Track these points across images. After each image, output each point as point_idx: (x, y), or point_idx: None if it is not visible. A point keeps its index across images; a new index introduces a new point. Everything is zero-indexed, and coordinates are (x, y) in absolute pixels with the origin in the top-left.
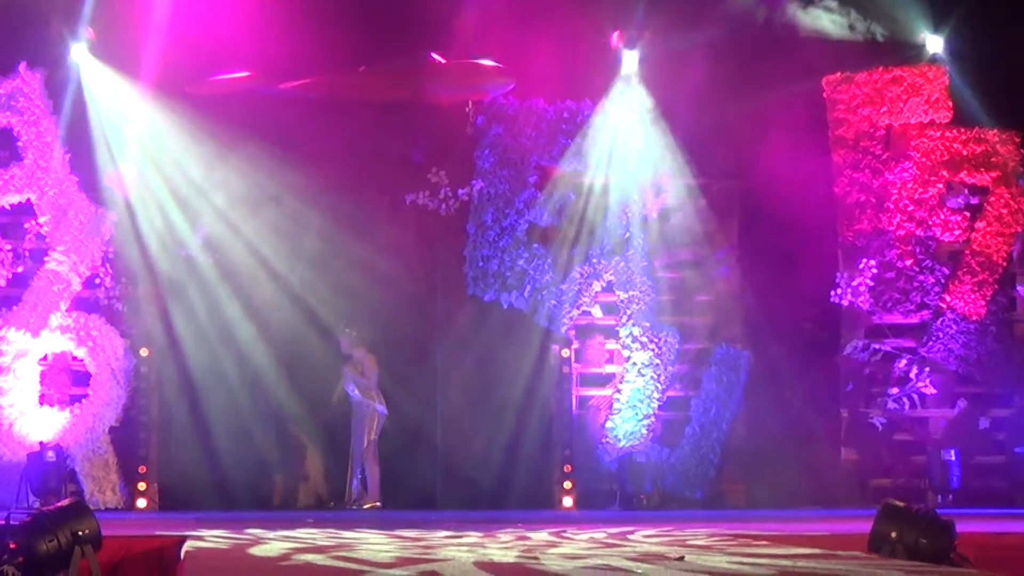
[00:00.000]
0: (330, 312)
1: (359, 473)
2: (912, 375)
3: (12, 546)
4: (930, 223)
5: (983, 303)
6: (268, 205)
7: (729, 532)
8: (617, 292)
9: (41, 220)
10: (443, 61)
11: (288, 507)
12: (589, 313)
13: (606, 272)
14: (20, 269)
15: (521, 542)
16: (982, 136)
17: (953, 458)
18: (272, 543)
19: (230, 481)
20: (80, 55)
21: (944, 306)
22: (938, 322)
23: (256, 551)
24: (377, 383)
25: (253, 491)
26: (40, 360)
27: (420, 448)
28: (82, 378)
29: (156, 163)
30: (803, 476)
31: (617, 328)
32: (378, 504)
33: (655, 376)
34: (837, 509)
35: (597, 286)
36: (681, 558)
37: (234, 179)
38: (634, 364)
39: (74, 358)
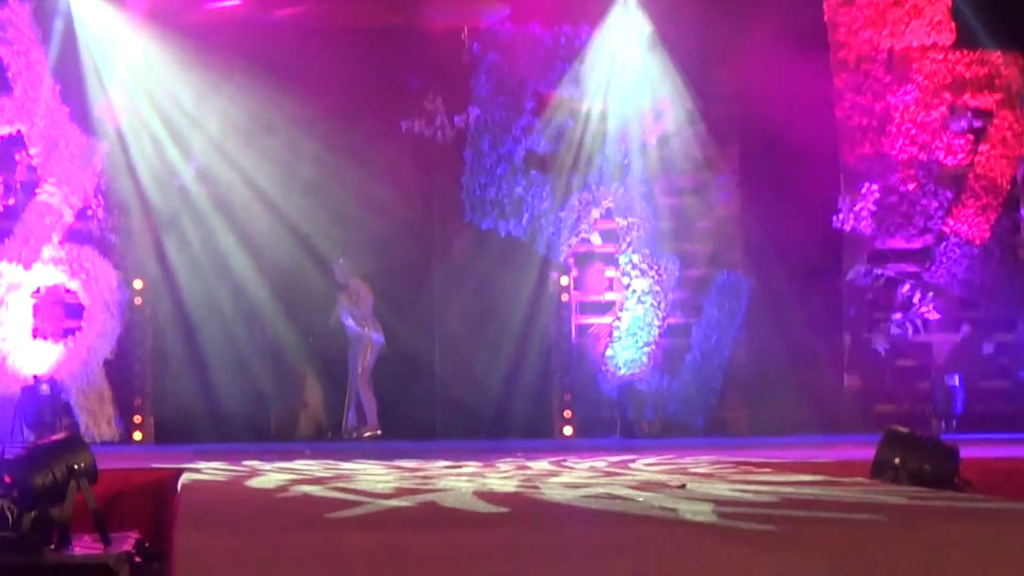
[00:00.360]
0: (326, 241)
1: (355, 403)
2: (915, 300)
3: (7, 480)
4: (933, 147)
5: (987, 227)
6: (262, 134)
7: (731, 460)
8: (616, 219)
9: (32, 152)
10: None
11: (286, 438)
12: (588, 240)
13: (605, 199)
14: (11, 201)
15: (521, 471)
16: (985, 58)
17: (957, 383)
18: (270, 475)
19: (227, 413)
20: None
21: (947, 230)
22: (941, 246)
23: (254, 483)
24: (372, 312)
25: (250, 423)
26: (33, 293)
27: (418, 377)
28: (75, 311)
29: (148, 93)
30: (805, 402)
31: (616, 255)
32: (378, 433)
33: (655, 303)
34: (840, 435)
35: (596, 213)
36: (683, 486)
37: (227, 108)
38: (634, 291)
39: (67, 291)
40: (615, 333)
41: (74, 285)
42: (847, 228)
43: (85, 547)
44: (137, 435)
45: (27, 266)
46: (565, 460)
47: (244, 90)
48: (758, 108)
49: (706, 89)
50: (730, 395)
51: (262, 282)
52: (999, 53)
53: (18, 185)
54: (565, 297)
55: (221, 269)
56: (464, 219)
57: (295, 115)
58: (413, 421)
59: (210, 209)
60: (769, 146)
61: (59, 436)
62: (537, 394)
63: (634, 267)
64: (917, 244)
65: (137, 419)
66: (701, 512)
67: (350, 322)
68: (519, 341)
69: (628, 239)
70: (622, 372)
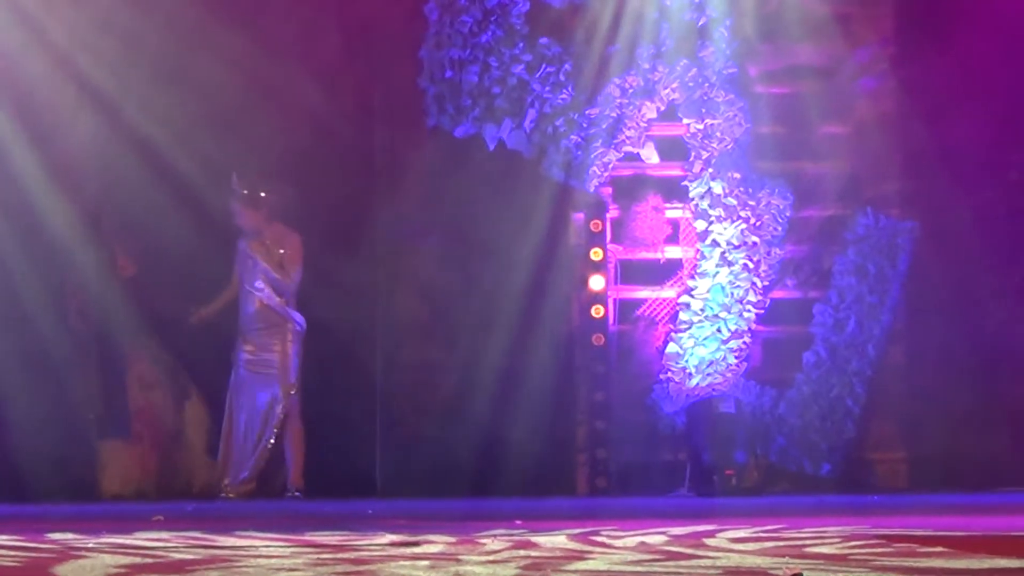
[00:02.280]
0: (199, 164)
1: (267, 438)
2: None
3: None
4: None
5: None
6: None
7: (879, 532)
8: (685, 121)
9: None
10: None
11: (124, 496)
12: (637, 157)
13: (665, 86)
14: None
15: (522, 553)
16: None
17: None
18: (94, 557)
19: (24, 457)
20: None
21: None
22: None
23: (65, 571)
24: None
25: (64, 471)
26: None
27: (350, 392)
28: None
29: None
30: (1005, 439)
31: (685, 183)
32: (298, 494)
33: (750, 266)
34: None
35: (650, 110)
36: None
37: None
38: (714, 245)
39: None
40: (682, 316)
41: None
42: None
43: None
44: None
45: None
46: (597, 533)
47: None
48: None
49: None
50: (878, 424)
51: (87, 235)
52: None
53: None
54: (597, 254)
55: (13, 213)
56: (426, 122)
57: None
58: (342, 467)
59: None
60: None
61: None
62: (549, 423)
63: (715, 203)
64: None
65: None
66: None
67: (269, 294)
68: (518, 332)
69: (705, 155)
70: (694, 383)
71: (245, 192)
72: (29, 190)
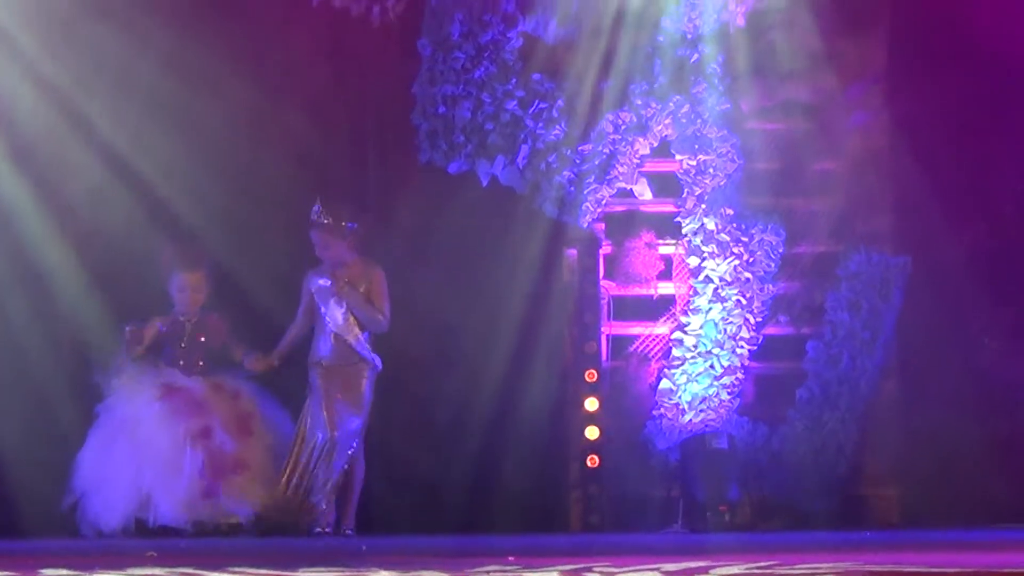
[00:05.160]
0: (193, 200)
1: (335, 474)
2: None
3: None
4: None
5: None
6: (82, 21)
7: (872, 569)
8: (678, 157)
9: None
10: None
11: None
12: (631, 193)
13: (658, 123)
14: None
15: None
16: None
17: None
18: None
19: (13, 486)
20: None
21: None
22: None
23: None
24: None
25: (50, 503)
26: None
27: None
28: None
29: None
30: (1000, 474)
31: (678, 219)
32: (350, 532)
33: (743, 302)
34: None
35: (643, 147)
36: None
37: None
38: (707, 281)
39: None
40: (675, 352)
41: None
42: None
43: None
44: None
45: None
46: (590, 570)
47: None
48: None
49: None
50: (871, 459)
51: (73, 262)
52: None
53: None
54: (590, 290)
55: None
56: (418, 157)
57: None
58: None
59: None
60: (945, 30)
61: None
62: (541, 457)
63: (708, 239)
64: None
65: None
66: None
67: (353, 332)
68: (511, 366)
69: (698, 191)
70: (687, 418)
71: (328, 221)
72: (26, 226)
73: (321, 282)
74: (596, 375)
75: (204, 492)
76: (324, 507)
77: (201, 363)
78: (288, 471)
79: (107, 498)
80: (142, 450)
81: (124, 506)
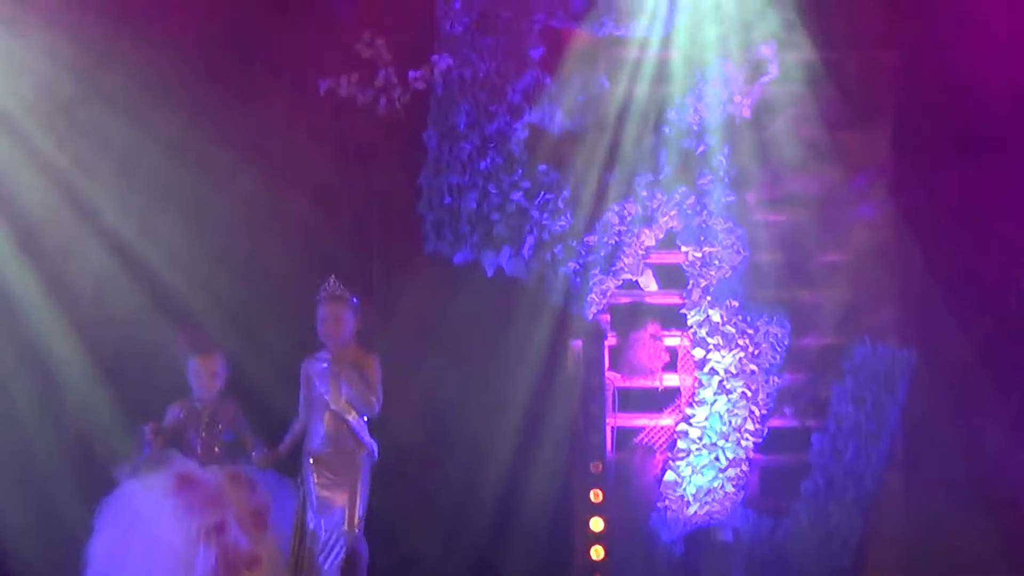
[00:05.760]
0: (190, 287)
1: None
2: None
3: None
4: None
5: None
6: (88, 103)
7: None
8: (684, 248)
9: None
10: None
11: None
12: (636, 285)
13: (664, 214)
14: None
15: None
16: None
17: None
18: None
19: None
20: None
21: None
22: None
23: None
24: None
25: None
26: None
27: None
28: None
29: None
30: (1005, 565)
31: (684, 311)
32: None
33: (748, 394)
34: None
35: (649, 238)
36: None
37: (29, 60)
38: (712, 373)
39: None
40: (680, 444)
41: None
42: None
43: None
44: None
45: None
46: None
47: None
48: (928, 57)
49: (838, 26)
50: (877, 551)
51: (78, 350)
52: None
53: None
54: (596, 381)
55: (9, 329)
56: (423, 247)
57: (141, 70)
58: None
59: None
60: (947, 123)
61: None
62: (545, 547)
63: (713, 331)
64: None
65: None
66: None
67: (352, 417)
68: (515, 456)
69: (703, 284)
70: (692, 510)
71: (344, 293)
72: (24, 308)
73: (321, 364)
74: (601, 466)
75: None
76: None
77: (217, 450)
78: (293, 564)
79: None
80: (155, 545)
81: None
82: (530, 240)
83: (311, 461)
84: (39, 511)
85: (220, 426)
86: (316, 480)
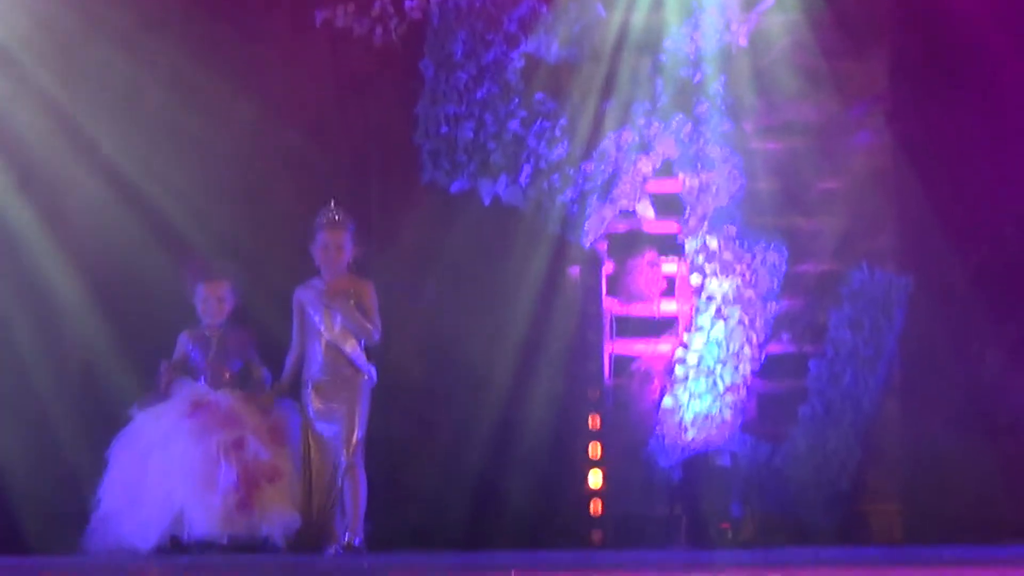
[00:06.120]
0: (189, 218)
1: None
2: None
3: None
4: None
5: None
6: (87, 40)
7: None
8: (680, 176)
9: None
10: None
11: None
12: (632, 213)
13: (661, 142)
14: None
15: None
16: None
17: None
18: None
19: (16, 507)
20: None
21: None
22: None
23: None
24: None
25: (51, 519)
26: None
27: None
28: None
29: None
30: (1002, 490)
31: (681, 239)
32: (357, 544)
33: (746, 320)
34: None
35: (646, 166)
36: None
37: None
38: (710, 299)
39: None
40: (678, 370)
41: None
42: None
43: None
44: None
45: None
46: None
47: None
48: None
49: None
50: (874, 476)
51: (80, 287)
52: None
53: None
54: (593, 309)
55: (8, 263)
56: (420, 177)
57: (139, 5)
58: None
59: None
60: (946, 51)
61: None
62: (544, 474)
63: (711, 258)
64: None
65: None
66: None
67: (350, 344)
68: (513, 384)
69: (700, 211)
70: (690, 436)
71: (344, 218)
72: (24, 241)
73: (314, 292)
74: (599, 394)
75: (239, 505)
76: (335, 524)
77: (227, 376)
78: (303, 492)
79: (143, 516)
80: (175, 466)
81: (159, 524)
82: (527, 169)
83: (310, 387)
84: (40, 444)
85: (229, 353)
86: (315, 407)
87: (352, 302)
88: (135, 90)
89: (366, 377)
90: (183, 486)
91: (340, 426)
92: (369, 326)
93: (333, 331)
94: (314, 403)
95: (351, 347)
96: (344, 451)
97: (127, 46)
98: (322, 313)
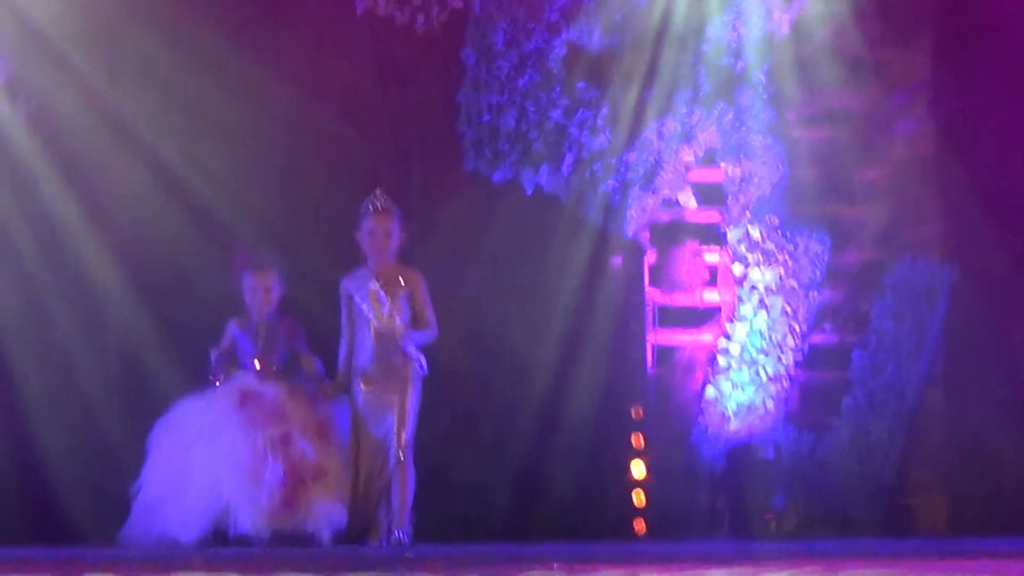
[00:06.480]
0: (231, 207)
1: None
2: None
3: None
4: None
5: None
6: (128, 27)
7: None
8: (723, 165)
9: None
10: None
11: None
12: (675, 203)
13: (703, 131)
14: None
15: None
16: None
17: None
18: None
19: (59, 497)
20: None
21: None
22: None
23: None
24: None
25: (94, 509)
26: None
27: None
28: None
29: None
30: None
31: (723, 228)
32: (403, 537)
33: (789, 310)
34: None
35: (688, 155)
36: None
37: None
38: (752, 289)
39: None
40: (721, 360)
41: None
42: None
43: None
44: None
45: None
46: None
47: None
48: None
49: None
50: (917, 467)
51: (122, 276)
52: None
53: None
54: (636, 298)
55: (55, 254)
56: (462, 166)
57: None
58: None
59: (31, 151)
60: (988, 36)
61: None
62: (586, 465)
63: (753, 248)
64: None
65: None
66: None
67: (402, 334)
68: (555, 375)
69: (742, 200)
70: (733, 426)
71: (392, 206)
72: (65, 230)
73: (361, 281)
74: (641, 409)
75: (284, 502)
76: (381, 516)
77: (275, 367)
78: (351, 483)
79: (186, 508)
80: (221, 459)
81: (204, 516)
82: (569, 158)
83: (360, 377)
84: (83, 435)
85: (277, 344)
86: (365, 397)
87: (402, 292)
88: (176, 78)
89: (417, 366)
90: (230, 480)
91: (391, 417)
92: (428, 328)
93: (382, 319)
94: (364, 393)
95: (400, 335)
96: (395, 446)
97: (168, 34)
98: (369, 302)
